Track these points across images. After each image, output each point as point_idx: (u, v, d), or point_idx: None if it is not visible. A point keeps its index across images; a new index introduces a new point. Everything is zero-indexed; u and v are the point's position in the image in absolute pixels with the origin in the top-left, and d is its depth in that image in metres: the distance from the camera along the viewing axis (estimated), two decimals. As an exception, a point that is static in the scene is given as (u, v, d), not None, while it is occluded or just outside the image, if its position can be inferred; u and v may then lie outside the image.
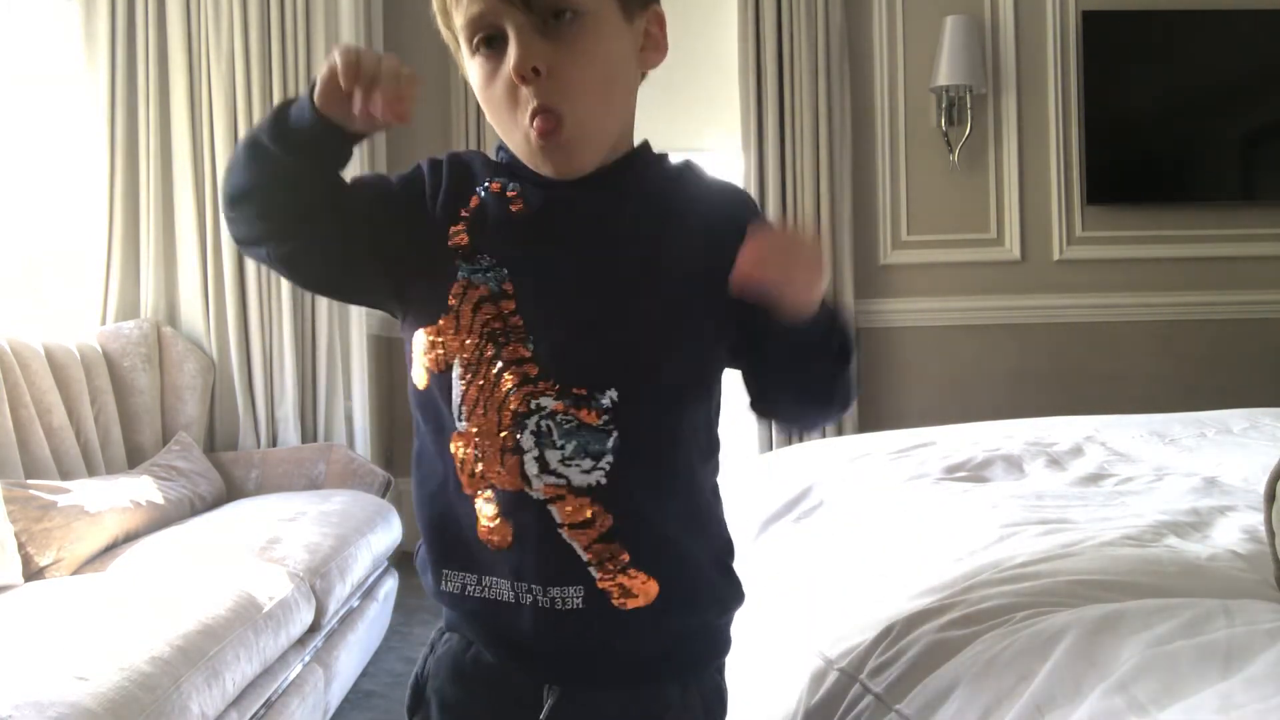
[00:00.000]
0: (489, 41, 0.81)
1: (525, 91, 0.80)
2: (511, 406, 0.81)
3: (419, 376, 0.86)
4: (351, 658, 2.15)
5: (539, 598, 0.81)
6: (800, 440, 3.16)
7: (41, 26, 2.85)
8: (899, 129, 3.73)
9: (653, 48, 0.88)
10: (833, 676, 0.99)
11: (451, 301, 0.83)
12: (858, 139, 3.68)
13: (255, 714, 1.61)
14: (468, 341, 0.82)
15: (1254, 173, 3.81)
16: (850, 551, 1.30)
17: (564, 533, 0.81)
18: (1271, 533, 0.92)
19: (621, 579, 0.81)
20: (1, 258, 2.68)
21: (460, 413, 0.83)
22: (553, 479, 0.81)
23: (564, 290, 0.83)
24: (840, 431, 3.55)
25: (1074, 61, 3.72)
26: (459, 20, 0.82)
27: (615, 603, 0.81)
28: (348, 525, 2.25)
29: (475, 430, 0.82)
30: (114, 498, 2.12)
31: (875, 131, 3.73)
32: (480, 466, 0.82)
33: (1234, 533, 1.16)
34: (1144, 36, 3.69)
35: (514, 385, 0.81)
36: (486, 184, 0.86)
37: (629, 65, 0.86)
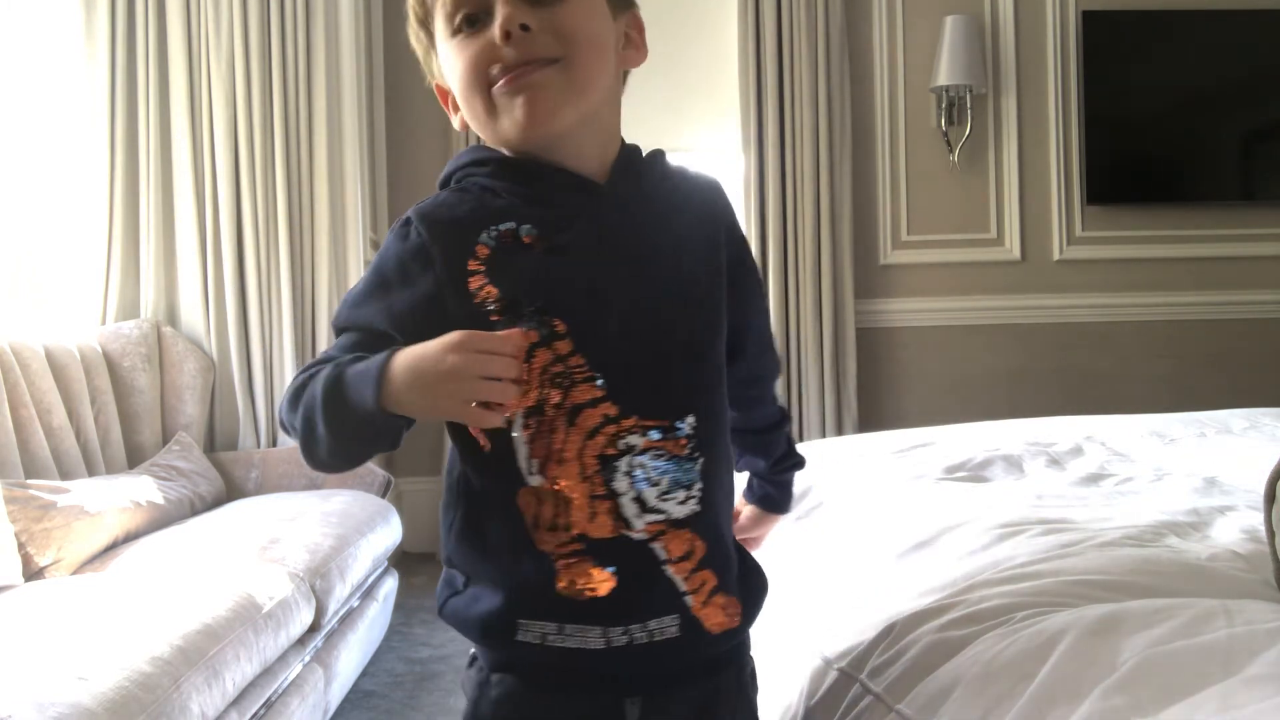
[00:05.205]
0: (471, 21, 0.80)
1: (501, 54, 0.78)
2: (595, 451, 0.78)
3: (480, 438, 0.81)
4: (351, 658, 2.15)
5: (635, 634, 0.80)
6: (800, 440, 3.16)
7: (41, 26, 2.84)
8: (899, 129, 3.73)
9: (633, 49, 0.88)
10: (833, 676, 1.00)
11: None
12: (858, 139, 3.68)
13: (255, 714, 1.61)
14: (530, 393, 0.77)
15: (1254, 173, 3.81)
16: (850, 551, 1.30)
17: (669, 568, 0.80)
18: (1271, 533, 0.92)
19: (713, 602, 0.82)
20: (1, 258, 2.67)
21: (531, 467, 0.79)
22: (653, 516, 0.79)
23: (617, 319, 0.80)
24: (840, 431, 3.55)
25: (1074, 61, 3.72)
26: (441, 3, 0.81)
27: (707, 627, 0.82)
28: (348, 525, 2.25)
29: (551, 482, 0.79)
30: (114, 498, 2.12)
31: (875, 131, 3.72)
32: (563, 519, 0.79)
33: (1234, 533, 1.16)
34: (1144, 36, 3.69)
35: (595, 428, 0.78)
36: (495, 229, 0.80)
37: (611, 54, 0.85)
